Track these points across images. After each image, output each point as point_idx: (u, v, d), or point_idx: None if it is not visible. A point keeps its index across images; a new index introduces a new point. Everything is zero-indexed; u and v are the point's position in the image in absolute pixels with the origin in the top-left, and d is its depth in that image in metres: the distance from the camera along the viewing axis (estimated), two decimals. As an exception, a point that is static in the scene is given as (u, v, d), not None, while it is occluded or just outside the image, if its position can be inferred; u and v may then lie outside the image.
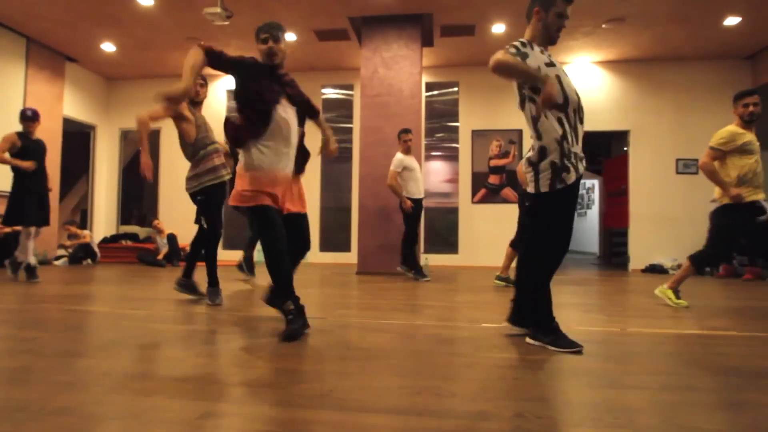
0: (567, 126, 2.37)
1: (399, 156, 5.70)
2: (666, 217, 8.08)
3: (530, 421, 1.43)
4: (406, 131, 5.77)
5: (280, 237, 2.50)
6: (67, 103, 8.48)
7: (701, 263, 3.84)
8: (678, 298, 3.88)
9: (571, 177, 2.36)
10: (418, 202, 5.75)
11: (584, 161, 2.44)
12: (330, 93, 9.06)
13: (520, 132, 8.50)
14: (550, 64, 2.40)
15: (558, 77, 2.36)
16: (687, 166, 8.15)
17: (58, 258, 7.81)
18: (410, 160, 5.72)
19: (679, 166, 8.19)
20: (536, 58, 2.38)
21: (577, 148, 2.40)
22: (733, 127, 3.80)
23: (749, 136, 3.77)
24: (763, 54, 7.80)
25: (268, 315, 3.22)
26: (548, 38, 2.48)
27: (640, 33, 7.27)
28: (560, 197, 2.38)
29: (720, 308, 3.94)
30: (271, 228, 2.49)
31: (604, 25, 7.00)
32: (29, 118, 4.98)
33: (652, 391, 1.77)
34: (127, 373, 1.87)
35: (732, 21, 6.76)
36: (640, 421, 1.44)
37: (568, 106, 2.38)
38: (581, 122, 2.44)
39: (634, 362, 2.18)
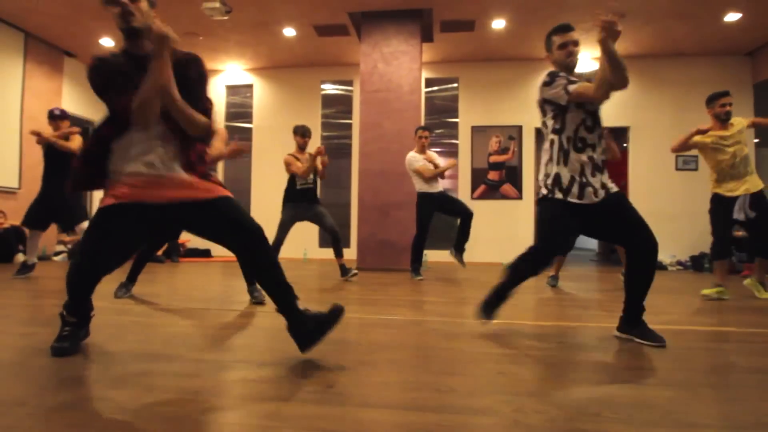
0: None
1: (412, 154, 5.49)
2: (665, 214, 8.07)
3: (529, 416, 1.44)
4: (423, 128, 5.57)
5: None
6: (65, 98, 8.45)
7: (714, 255, 4.26)
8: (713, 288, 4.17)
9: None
10: (427, 197, 5.43)
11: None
12: (329, 89, 9.04)
13: (519, 128, 8.49)
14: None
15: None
16: (687, 162, 8.16)
17: (57, 254, 7.80)
18: (422, 158, 5.48)
19: (678, 163, 8.19)
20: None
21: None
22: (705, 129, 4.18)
23: (719, 131, 4.16)
24: (763, 50, 7.79)
25: (269, 311, 3.23)
26: (566, 67, 2.54)
27: (640, 29, 7.25)
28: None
29: (718, 304, 3.95)
30: None
31: (604, 21, 6.97)
32: (56, 117, 4.98)
33: (651, 386, 1.78)
34: (128, 370, 1.88)
35: (733, 17, 6.74)
36: (638, 416, 1.45)
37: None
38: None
39: (633, 358, 2.18)
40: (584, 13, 6.78)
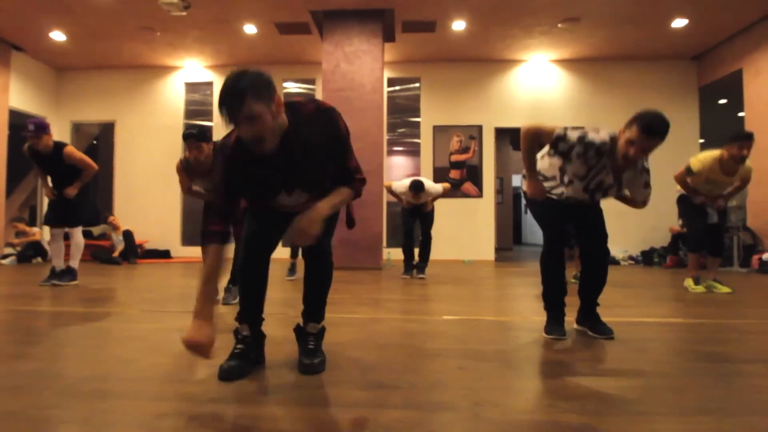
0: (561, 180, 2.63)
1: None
2: (615, 211, 8.26)
3: (487, 409, 1.48)
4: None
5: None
6: (13, 94, 8.06)
7: (689, 246, 4.77)
8: (696, 284, 4.42)
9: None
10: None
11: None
12: (292, 87, 8.96)
13: (480, 128, 8.63)
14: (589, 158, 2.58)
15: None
16: (638, 161, 8.48)
17: (5, 256, 7.44)
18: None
19: (631, 162, 8.50)
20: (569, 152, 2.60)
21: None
22: (714, 161, 4.10)
23: (718, 175, 4.14)
24: (708, 55, 8.18)
25: (228, 311, 3.18)
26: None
27: (593, 33, 7.50)
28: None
29: (667, 297, 4.14)
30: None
31: (560, 25, 7.18)
32: (32, 133, 4.27)
33: (602, 378, 1.85)
34: (80, 375, 1.82)
35: (679, 23, 7.05)
36: (591, 407, 1.51)
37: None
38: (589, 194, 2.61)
39: (587, 350, 2.26)
40: (542, 17, 6.96)
